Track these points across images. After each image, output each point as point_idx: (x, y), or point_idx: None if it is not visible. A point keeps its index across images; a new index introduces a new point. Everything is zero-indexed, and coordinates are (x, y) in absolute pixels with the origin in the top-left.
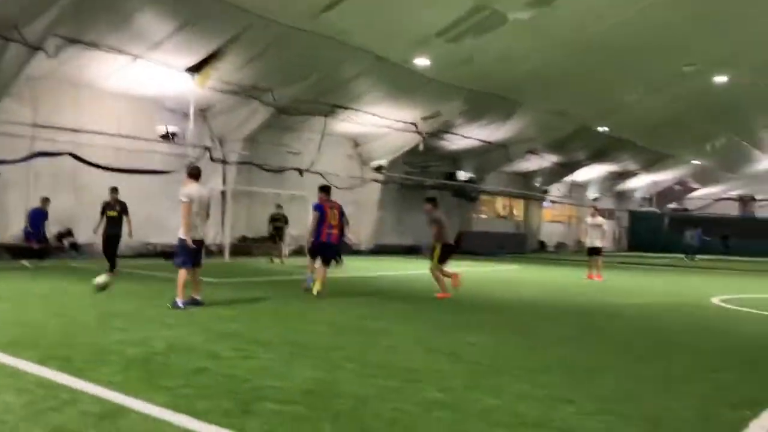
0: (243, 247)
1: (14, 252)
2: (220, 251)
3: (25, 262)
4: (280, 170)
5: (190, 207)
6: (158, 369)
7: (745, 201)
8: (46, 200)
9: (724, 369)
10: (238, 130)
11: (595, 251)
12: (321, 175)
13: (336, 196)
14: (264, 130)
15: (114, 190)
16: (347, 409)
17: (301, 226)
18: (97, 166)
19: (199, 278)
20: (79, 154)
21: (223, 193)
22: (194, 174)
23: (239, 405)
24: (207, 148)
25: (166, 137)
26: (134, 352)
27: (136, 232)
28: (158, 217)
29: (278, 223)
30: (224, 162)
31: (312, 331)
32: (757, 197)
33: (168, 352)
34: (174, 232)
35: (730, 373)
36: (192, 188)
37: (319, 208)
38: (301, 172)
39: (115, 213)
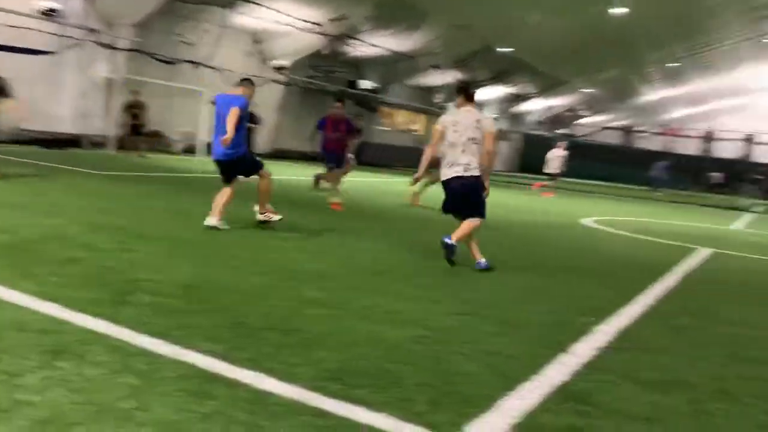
0: (130, 140)
1: None
2: (104, 143)
3: None
4: (173, 61)
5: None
6: (27, 257)
7: (627, 131)
8: None
9: (581, 282)
10: (130, 13)
11: (553, 176)
12: (217, 69)
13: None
14: (158, 17)
15: None
16: (225, 304)
17: (192, 122)
18: None
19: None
20: None
21: (109, 82)
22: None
23: (113, 296)
24: (93, 30)
25: (46, 13)
26: (1, 240)
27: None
28: (35, 102)
29: (135, 110)
30: (112, 48)
31: (198, 228)
32: (639, 128)
33: (40, 240)
34: (56, 119)
35: (585, 286)
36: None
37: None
38: (195, 64)
39: None
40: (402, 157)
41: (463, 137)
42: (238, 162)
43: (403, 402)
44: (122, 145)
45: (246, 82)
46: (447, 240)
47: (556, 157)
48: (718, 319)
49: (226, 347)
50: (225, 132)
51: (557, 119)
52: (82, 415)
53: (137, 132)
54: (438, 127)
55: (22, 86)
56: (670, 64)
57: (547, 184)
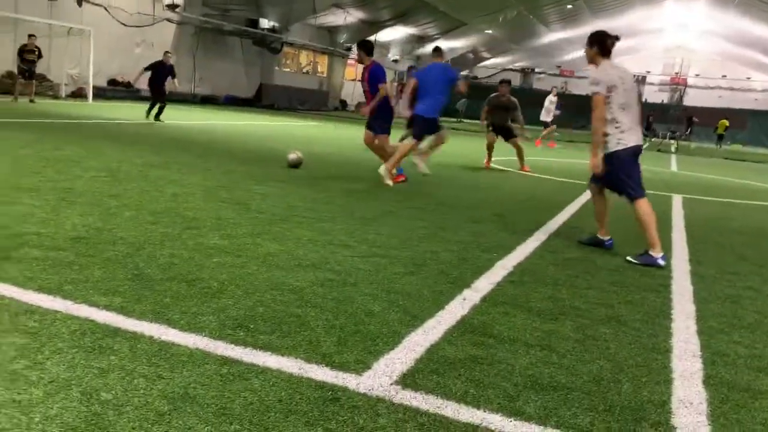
0: (8, 84)
1: None
2: None
3: None
4: None
5: None
6: None
7: (526, 73)
8: None
9: (484, 220)
10: None
11: (547, 124)
12: (104, 8)
13: (124, 34)
14: None
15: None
16: (120, 255)
17: (81, 65)
18: None
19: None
20: None
21: None
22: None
23: None
24: None
25: None
26: None
27: None
28: None
29: (30, 56)
30: None
31: (88, 177)
32: (537, 70)
33: None
34: None
35: (488, 224)
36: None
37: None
38: (79, 2)
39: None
40: (305, 99)
41: (633, 95)
42: (436, 121)
43: (309, 345)
44: (12, 90)
45: (438, 51)
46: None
47: (551, 103)
48: (607, 251)
49: (124, 300)
50: (435, 97)
51: (459, 61)
52: None
53: (30, 77)
54: (600, 90)
55: None
56: (567, 5)
57: (545, 135)
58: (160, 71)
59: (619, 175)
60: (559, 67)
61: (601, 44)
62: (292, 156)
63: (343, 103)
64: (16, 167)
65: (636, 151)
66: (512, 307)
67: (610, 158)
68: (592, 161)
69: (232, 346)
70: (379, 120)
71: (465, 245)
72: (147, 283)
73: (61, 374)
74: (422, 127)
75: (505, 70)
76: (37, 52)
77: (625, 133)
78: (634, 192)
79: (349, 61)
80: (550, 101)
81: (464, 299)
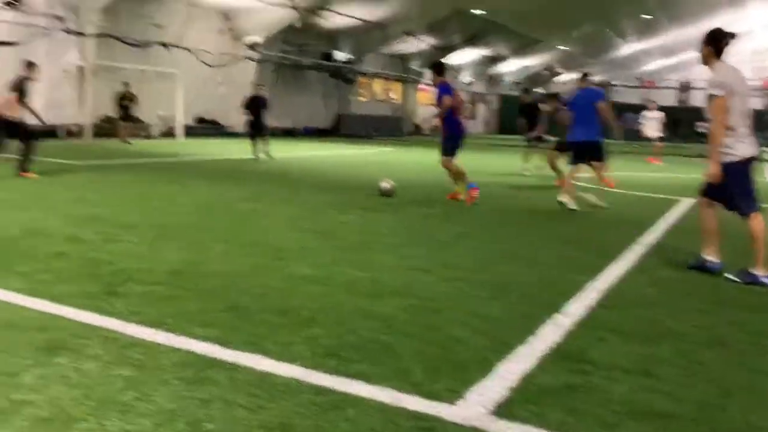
0: (107, 127)
1: None
2: (80, 132)
3: None
4: (143, 44)
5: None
6: (13, 254)
7: (603, 86)
8: None
9: (568, 240)
10: None
11: (653, 140)
12: (190, 51)
13: (207, 73)
14: (124, 0)
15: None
16: (215, 287)
17: (170, 105)
18: None
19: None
20: None
21: (80, 70)
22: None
23: (102, 288)
24: (59, 18)
25: (10, 4)
26: None
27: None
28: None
29: (124, 102)
30: (80, 34)
31: (180, 213)
32: (614, 82)
33: (23, 236)
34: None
35: (573, 244)
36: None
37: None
38: (167, 46)
39: None
40: (380, 126)
41: (748, 101)
42: (599, 144)
43: (400, 373)
44: (113, 133)
45: (585, 77)
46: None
47: (650, 120)
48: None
49: (221, 331)
50: (590, 122)
51: (534, 78)
52: (83, 410)
53: (128, 120)
54: (722, 93)
55: None
56: (644, 16)
57: (656, 152)
58: (257, 105)
59: (732, 187)
60: (639, 78)
61: (717, 43)
62: (385, 185)
63: (417, 128)
64: (117, 205)
65: (752, 161)
66: (607, 331)
67: (724, 169)
68: (709, 170)
69: (326, 374)
70: (448, 141)
71: (550, 267)
72: (241, 313)
73: (166, 405)
74: (584, 151)
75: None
76: (132, 98)
77: (741, 141)
78: (747, 206)
79: (421, 86)
80: (651, 116)
81: (555, 324)
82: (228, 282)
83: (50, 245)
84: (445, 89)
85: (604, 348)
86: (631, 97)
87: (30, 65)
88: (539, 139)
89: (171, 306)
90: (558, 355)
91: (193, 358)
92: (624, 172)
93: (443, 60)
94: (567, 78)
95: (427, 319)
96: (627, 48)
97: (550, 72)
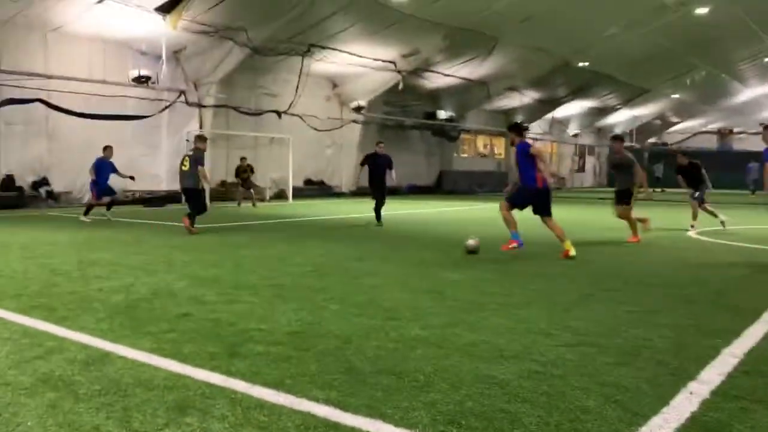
0: (223, 191)
1: None
2: None
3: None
4: (257, 113)
5: None
6: (142, 315)
7: (723, 134)
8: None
9: (698, 300)
10: (213, 72)
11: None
12: (300, 117)
13: (315, 138)
14: (240, 72)
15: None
16: (332, 348)
17: (282, 168)
18: (70, 113)
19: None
20: (50, 100)
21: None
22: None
23: (225, 348)
24: (182, 92)
25: (139, 81)
26: (117, 299)
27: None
28: (135, 163)
29: (244, 174)
30: (200, 105)
31: (296, 273)
32: (735, 130)
33: (152, 298)
34: (154, 178)
35: (704, 304)
36: None
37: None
38: (279, 114)
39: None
40: (484, 182)
41: None
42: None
43: None
44: (229, 196)
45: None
46: None
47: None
48: None
49: (339, 394)
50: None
51: (645, 128)
52: None
53: (248, 188)
54: None
55: (122, 150)
56: (764, 59)
57: None
58: (376, 163)
59: None
60: (762, 124)
61: None
62: (471, 242)
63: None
64: (236, 267)
65: None
66: (751, 402)
67: None
68: None
69: None
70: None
71: (681, 330)
72: (358, 376)
73: None
74: None
75: (698, 133)
76: (249, 169)
77: None
78: None
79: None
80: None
81: (691, 393)
82: (343, 343)
83: (175, 306)
84: (521, 146)
85: (748, 420)
86: (754, 145)
87: (200, 138)
88: (703, 201)
89: (290, 367)
90: (696, 428)
91: (314, 421)
92: (746, 225)
93: (549, 115)
94: (682, 127)
95: (550, 387)
96: (747, 92)
97: (663, 121)
